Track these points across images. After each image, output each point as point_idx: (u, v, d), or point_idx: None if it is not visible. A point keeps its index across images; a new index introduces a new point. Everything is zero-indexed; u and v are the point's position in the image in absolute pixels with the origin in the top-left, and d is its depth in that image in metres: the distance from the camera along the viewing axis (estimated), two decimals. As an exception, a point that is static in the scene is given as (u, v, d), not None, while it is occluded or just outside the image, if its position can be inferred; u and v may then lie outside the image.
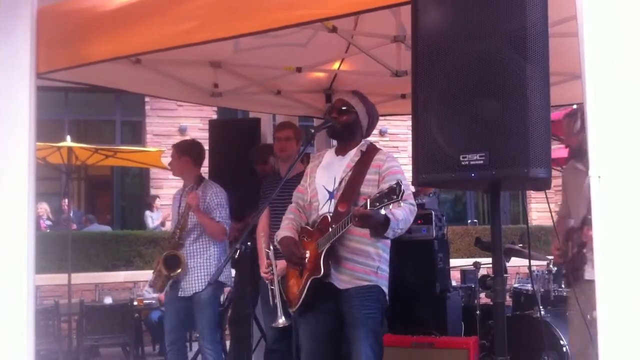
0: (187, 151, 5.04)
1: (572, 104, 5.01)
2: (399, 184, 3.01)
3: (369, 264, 3.46)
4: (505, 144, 2.34)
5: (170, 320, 4.95)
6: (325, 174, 3.61)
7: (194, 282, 4.80)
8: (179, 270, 4.77)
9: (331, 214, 3.45)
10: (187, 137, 11.60)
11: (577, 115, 3.93)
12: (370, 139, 3.80)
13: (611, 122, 2.25)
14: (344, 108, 3.61)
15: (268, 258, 4.33)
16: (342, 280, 3.44)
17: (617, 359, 2.18)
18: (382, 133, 12.85)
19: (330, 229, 3.38)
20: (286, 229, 3.65)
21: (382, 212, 3.12)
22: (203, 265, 4.83)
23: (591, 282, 3.56)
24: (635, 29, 2.28)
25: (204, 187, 4.95)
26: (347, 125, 3.59)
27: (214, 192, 4.88)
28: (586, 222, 3.70)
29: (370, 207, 3.08)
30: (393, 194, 3.01)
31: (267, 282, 4.33)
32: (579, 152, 3.87)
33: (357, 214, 3.14)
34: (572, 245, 3.81)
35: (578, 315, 3.80)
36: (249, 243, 3.54)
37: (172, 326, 4.93)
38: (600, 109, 2.27)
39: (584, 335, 3.77)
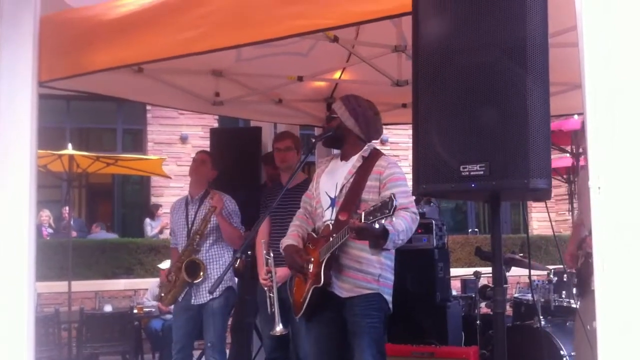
0: (216, 166, 5.08)
1: (572, 114, 5.03)
2: (391, 199, 2.96)
3: (370, 272, 3.44)
4: (505, 155, 2.34)
5: (180, 329, 4.91)
6: (329, 180, 3.60)
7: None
8: (202, 276, 4.75)
9: (332, 222, 3.45)
10: (189, 146, 11.69)
11: None
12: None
13: (611, 132, 2.26)
14: (331, 116, 3.62)
15: (267, 265, 4.32)
16: (344, 289, 3.42)
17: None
18: (383, 142, 12.86)
19: (331, 238, 3.36)
20: (290, 237, 3.63)
21: (376, 225, 3.05)
22: (219, 271, 4.81)
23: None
24: (635, 40, 2.29)
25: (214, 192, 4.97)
26: (332, 132, 3.59)
27: (228, 199, 4.92)
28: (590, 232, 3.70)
29: (364, 220, 3.03)
30: (385, 208, 2.96)
31: (265, 289, 4.32)
32: None
33: (353, 228, 3.11)
34: (581, 254, 3.79)
35: (581, 326, 3.80)
36: (249, 252, 3.54)
37: (180, 335, 4.89)
38: (600, 120, 2.28)
39: (587, 347, 3.78)
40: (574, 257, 3.83)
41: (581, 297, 3.89)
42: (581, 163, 5.73)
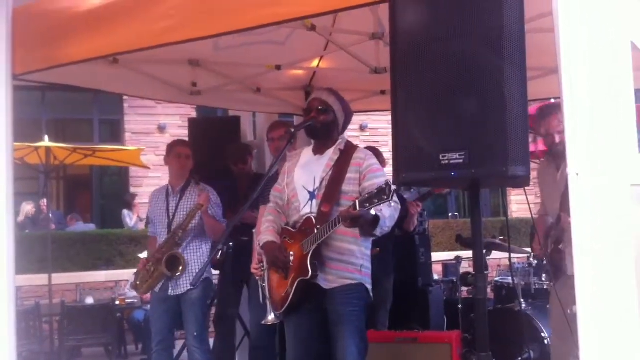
0: (192, 154, 5.03)
1: (549, 99, 5.05)
2: (388, 184, 3.00)
3: (353, 263, 3.45)
4: (484, 143, 2.36)
5: (158, 320, 4.88)
6: (305, 174, 3.59)
7: (189, 279, 4.71)
8: (181, 270, 4.72)
9: (314, 215, 3.44)
10: (167, 135, 11.60)
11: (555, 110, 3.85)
12: (351, 133, 3.81)
13: (588, 118, 2.27)
14: (320, 108, 3.58)
15: (260, 254, 4.31)
16: (328, 280, 3.42)
17: (597, 353, 2.20)
18: (362, 128, 12.86)
19: (315, 230, 3.36)
20: (268, 233, 3.63)
21: (372, 212, 3.13)
22: (197, 263, 4.77)
23: (572, 277, 3.64)
24: (610, 23, 2.30)
25: (201, 188, 4.94)
26: (326, 124, 3.57)
27: (211, 192, 4.87)
28: (561, 215, 3.74)
29: (359, 207, 3.08)
30: (383, 194, 3.01)
31: (257, 278, 4.32)
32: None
33: (348, 216, 3.14)
34: (550, 242, 3.86)
35: (559, 309, 3.86)
36: (230, 243, 3.52)
37: (160, 326, 4.87)
38: (577, 105, 2.29)
39: (564, 329, 3.84)
40: (544, 246, 3.91)
41: (556, 282, 3.96)
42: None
